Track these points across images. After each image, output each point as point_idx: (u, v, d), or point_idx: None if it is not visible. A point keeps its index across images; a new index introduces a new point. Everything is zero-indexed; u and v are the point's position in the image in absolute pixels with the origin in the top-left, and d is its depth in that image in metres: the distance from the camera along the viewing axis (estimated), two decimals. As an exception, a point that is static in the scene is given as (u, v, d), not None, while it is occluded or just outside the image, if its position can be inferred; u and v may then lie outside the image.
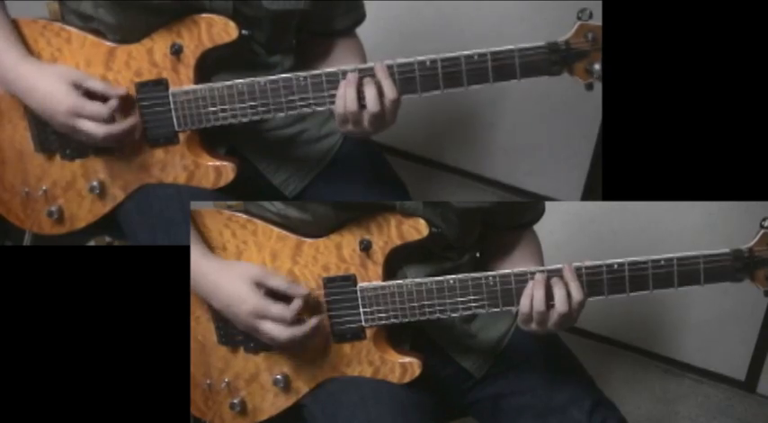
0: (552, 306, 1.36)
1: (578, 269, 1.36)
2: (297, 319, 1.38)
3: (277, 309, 1.37)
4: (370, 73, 1.38)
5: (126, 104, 1.44)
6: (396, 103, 1.38)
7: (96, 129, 1.41)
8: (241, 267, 1.40)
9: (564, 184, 2.30)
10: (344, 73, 1.38)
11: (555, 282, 1.36)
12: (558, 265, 1.37)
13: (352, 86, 1.38)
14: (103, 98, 1.42)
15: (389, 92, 1.38)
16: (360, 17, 1.62)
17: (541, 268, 1.37)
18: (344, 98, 1.38)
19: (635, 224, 2.18)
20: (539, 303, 1.35)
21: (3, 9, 1.46)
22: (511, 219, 1.56)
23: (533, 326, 1.38)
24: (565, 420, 1.47)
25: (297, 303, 1.38)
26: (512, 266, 1.42)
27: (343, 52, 1.59)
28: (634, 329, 2.28)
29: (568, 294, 1.35)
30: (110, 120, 1.42)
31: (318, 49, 1.60)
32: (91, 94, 1.42)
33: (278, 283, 1.39)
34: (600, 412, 1.48)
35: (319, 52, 1.60)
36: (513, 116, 2.26)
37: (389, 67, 1.38)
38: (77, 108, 1.40)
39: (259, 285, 1.38)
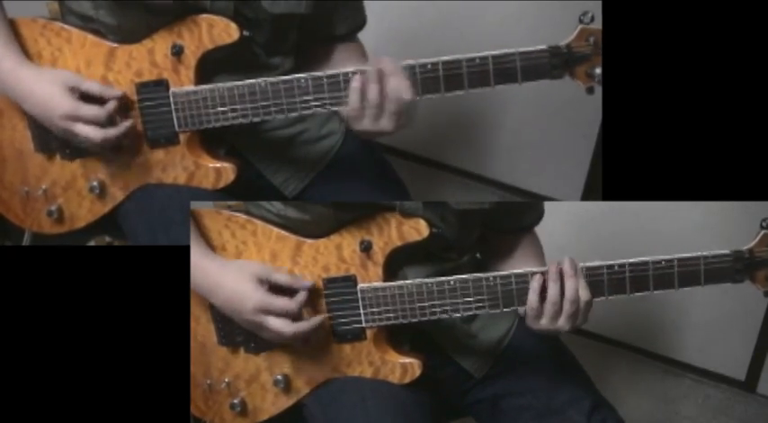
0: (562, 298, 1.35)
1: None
2: (301, 314, 1.38)
3: (281, 302, 1.37)
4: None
5: (123, 106, 1.44)
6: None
7: (94, 132, 1.41)
8: (243, 265, 1.40)
9: (564, 184, 2.30)
10: (346, 75, 1.38)
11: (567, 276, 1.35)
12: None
13: (375, 81, 1.36)
14: (101, 100, 1.42)
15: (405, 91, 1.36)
16: (360, 22, 1.61)
17: (544, 268, 1.37)
18: (363, 92, 1.36)
19: (635, 224, 2.18)
20: (553, 295, 1.35)
21: (1, 13, 1.46)
22: (510, 221, 1.56)
23: (543, 322, 1.37)
24: (564, 421, 1.47)
25: (302, 296, 1.38)
26: (513, 269, 1.42)
27: (344, 57, 1.58)
28: (634, 329, 2.28)
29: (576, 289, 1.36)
30: (107, 123, 1.42)
31: (320, 54, 1.60)
32: (88, 98, 1.42)
33: (281, 277, 1.39)
34: (599, 414, 1.48)
35: (321, 57, 1.59)
36: (513, 116, 2.26)
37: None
38: (74, 112, 1.40)
39: (262, 282, 1.38)
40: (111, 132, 1.42)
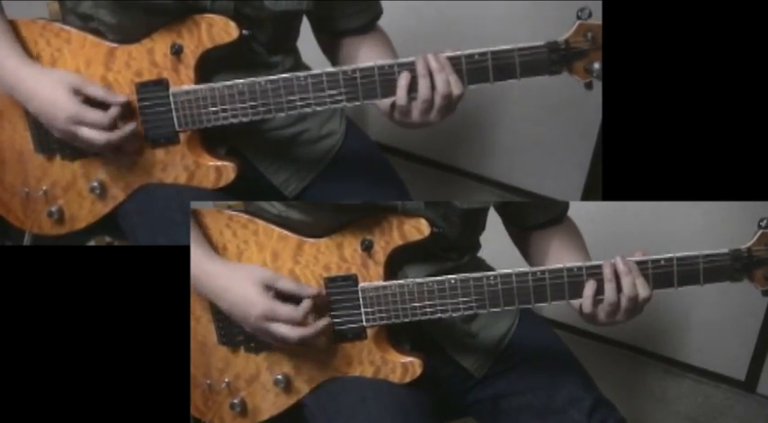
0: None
1: (579, 269, 1.37)
2: (306, 320, 1.38)
3: (287, 310, 1.37)
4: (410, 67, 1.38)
5: (126, 110, 1.44)
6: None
7: (97, 136, 1.41)
8: (249, 270, 1.40)
9: (564, 184, 2.29)
10: (345, 72, 1.38)
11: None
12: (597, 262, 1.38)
13: (425, 76, 1.37)
14: (104, 104, 1.42)
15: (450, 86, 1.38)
16: (376, 14, 1.61)
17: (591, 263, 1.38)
18: (406, 89, 1.38)
19: (635, 224, 2.18)
20: (610, 295, 1.36)
21: (1, 13, 1.45)
22: (535, 217, 1.56)
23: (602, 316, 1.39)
24: (565, 421, 1.47)
25: (306, 303, 1.38)
26: (553, 262, 1.43)
27: (367, 49, 1.57)
28: (634, 329, 2.28)
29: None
30: (110, 127, 1.41)
31: (341, 48, 1.59)
32: (91, 101, 1.41)
33: (287, 284, 1.38)
34: (599, 412, 1.48)
35: (343, 52, 1.59)
36: (513, 116, 2.26)
37: (386, 67, 1.38)
38: (78, 116, 1.40)
39: (268, 288, 1.38)
40: (115, 136, 1.42)
